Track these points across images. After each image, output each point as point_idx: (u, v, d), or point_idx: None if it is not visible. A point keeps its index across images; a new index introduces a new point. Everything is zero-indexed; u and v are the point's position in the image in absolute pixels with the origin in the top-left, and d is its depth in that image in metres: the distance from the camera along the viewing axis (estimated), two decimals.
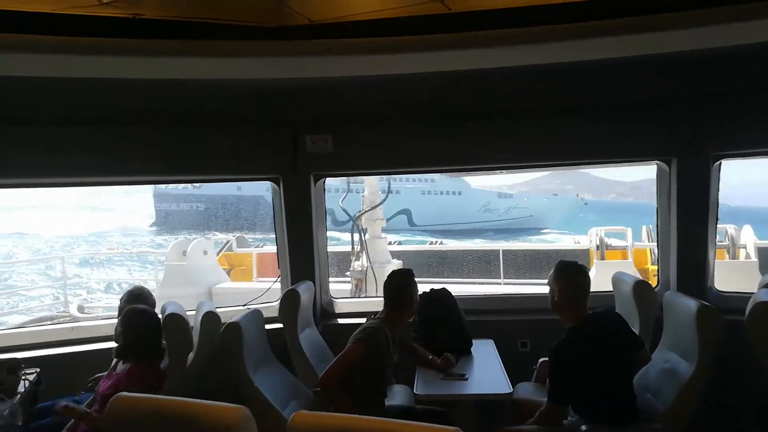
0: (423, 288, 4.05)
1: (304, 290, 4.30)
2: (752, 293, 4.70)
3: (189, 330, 3.70)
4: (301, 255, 4.78)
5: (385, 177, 9.54)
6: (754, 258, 8.43)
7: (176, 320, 3.60)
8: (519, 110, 4.41)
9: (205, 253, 10.73)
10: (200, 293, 9.48)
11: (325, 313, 5.03)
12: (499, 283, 11.45)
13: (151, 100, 4.22)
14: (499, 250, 12.17)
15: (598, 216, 37.42)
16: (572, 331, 3.29)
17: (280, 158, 4.59)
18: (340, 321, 4.96)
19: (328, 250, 5.24)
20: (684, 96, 4.13)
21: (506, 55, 3.57)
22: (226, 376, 3.40)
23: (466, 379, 3.66)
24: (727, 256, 8.49)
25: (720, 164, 4.29)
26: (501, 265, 11.73)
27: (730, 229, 8.69)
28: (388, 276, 3.78)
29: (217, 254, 11.92)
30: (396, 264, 9.30)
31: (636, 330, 3.75)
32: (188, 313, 3.85)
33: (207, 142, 4.52)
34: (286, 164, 4.60)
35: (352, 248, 8.16)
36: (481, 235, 39.09)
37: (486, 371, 3.82)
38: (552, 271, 3.45)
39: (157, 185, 34.57)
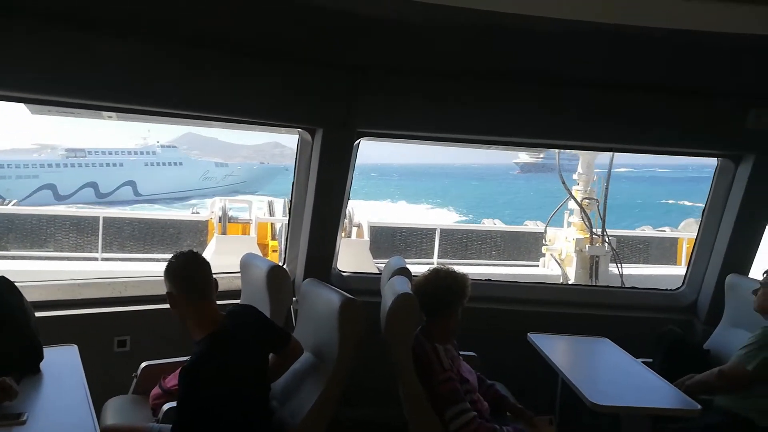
0: None
1: None
2: (371, 274, 4.77)
3: None
4: None
5: None
6: (366, 237, 9.18)
7: None
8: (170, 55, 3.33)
9: None
10: None
11: None
12: (96, 259, 9.56)
13: None
14: (99, 217, 10.15)
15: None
16: (207, 342, 2.45)
17: None
18: None
19: None
20: (341, 63, 3.71)
21: None
22: None
23: (24, 422, 2.34)
24: (343, 234, 9.04)
25: (360, 142, 4.07)
26: (100, 236, 9.79)
27: (349, 207, 9.25)
28: None
29: None
30: None
31: None
32: None
33: None
34: None
35: None
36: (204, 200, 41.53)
37: (61, 400, 2.56)
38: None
39: None
